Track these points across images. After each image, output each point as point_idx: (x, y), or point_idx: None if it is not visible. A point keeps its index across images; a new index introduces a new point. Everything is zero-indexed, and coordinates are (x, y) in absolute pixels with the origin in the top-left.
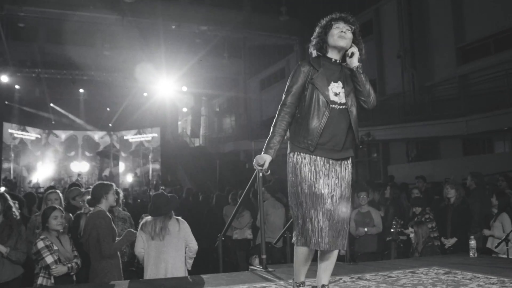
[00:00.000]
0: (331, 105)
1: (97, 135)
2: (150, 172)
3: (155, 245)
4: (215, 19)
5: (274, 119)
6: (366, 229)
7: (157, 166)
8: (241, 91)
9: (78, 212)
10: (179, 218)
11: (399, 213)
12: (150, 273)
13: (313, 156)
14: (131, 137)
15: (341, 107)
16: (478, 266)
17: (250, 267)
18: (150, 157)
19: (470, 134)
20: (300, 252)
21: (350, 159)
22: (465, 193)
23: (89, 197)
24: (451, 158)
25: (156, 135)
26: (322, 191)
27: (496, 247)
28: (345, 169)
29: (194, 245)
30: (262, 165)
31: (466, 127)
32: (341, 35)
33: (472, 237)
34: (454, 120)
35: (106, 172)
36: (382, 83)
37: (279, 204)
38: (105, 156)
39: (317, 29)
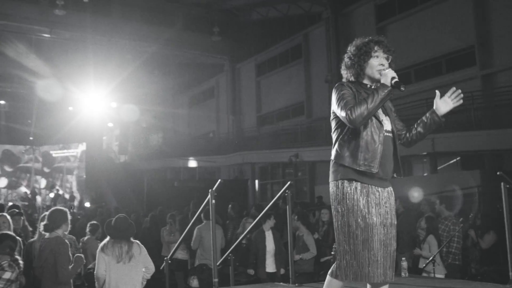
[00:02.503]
0: (383, 132)
1: (17, 149)
2: (75, 188)
3: (118, 268)
4: (146, 35)
5: (354, 112)
6: (300, 256)
7: (82, 181)
8: (169, 107)
9: (31, 240)
10: (138, 242)
11: None
12: None
13: (365, 184)
14: (55, 152)
15: (387, 134)
16: (411, 285)
17: None
18: (74, 173)
19: None
20: (335, 286)
21: (391, 187)
22: None
23: (45, 222)
24: None
25: (80, 150)
26: (375, 221)
27: (424, 267)
28: (392, 196)
29: (152, 267)
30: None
31: None
32: (381, 69)
33: (403, 258)
34: None
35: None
36: (309, 106)
37: (218, 226)
38: (26, 171)
39: (353, 50)
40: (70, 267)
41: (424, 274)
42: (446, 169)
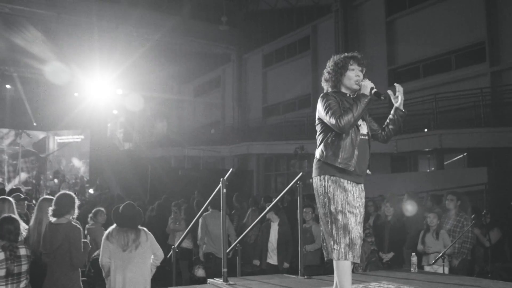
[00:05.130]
0: (359, 136)
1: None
2: (79, 174)
3: (124, 256)
4: (152, 22)
5: (343, 121)
6: (305, 248)
7: (86, 168)
8: (175, 95)
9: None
10: (145, 228)
11: None
12: (117, 283)
13: (342, 179)
14: (59, 138)
15: (363, 137)
16: (421, 281)
17: (209, 280)
18: (78, 159)
19: (399, 152)
20: (347, 266)
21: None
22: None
23: (53, 207)
24: (380, 174)
25: (84, 136)
26: (350, 209)
27: (434, 262)
28: (363, 191)
29: (161, 253)
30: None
31: (396, 146)
32: (357, 80)
33: (413, 254)
34: None
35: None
36: (315, 98)
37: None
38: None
39: (331, 66)
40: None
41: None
42: (452, 166)
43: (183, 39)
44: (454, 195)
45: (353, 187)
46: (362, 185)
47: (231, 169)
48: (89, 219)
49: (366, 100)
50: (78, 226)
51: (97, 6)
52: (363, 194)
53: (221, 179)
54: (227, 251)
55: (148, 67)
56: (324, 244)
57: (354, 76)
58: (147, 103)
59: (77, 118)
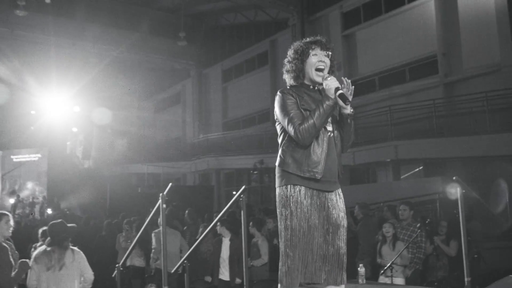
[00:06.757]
0: (327, 134)
1: None
2: (36, 194)
3: (49, 277)
4: (110, 38)
5: (303, 132)
6: (252, 263)
7: (44, 187)
8: (135, 112)
9: None
10: (75, 248)
11: None
12: None
13: (310, 189)
14: (15, 157)
15: (330, 134)
16: None
17: None
18: (36, 178)
19: (356, 164)
20: None
21: (340, 190)
22: (352, 222)
23: None
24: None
25: (42, 155)
26: (317, 224)
27: (382, 273)
28: (341, 198)
29: (90, 275)
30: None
31: (353, 158)
32: (320, 66)
33: (361, 265)
34: None
35: None
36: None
37: (174, 232)
38: None
39: (291, 54)
40: (13, 273)
41: (382, 281)
42: (410, 178)
43: (142, 55)
44: (406, 205)
45: (324, 197)
46: (338, 190)
47: (170, 184)
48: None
49: (330, 103)
50: (5, 245)
51: (54, 22)
52: (341, 200)
53: (160, 194)
54: (175, 268)
55: (107, 83)
56: (280, 265)
57: (316, 61)
58: (106, 120)
59: (34, 136)
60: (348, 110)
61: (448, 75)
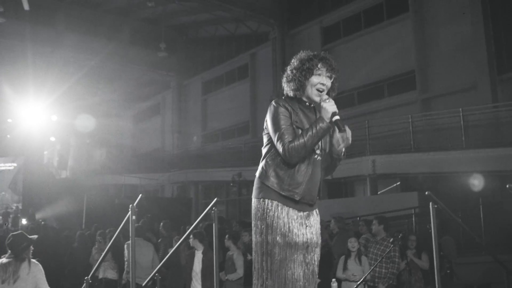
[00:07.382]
0: (314, 156)
1: None
2: (10, 204)
3: None
4: (90, 47)
5: (292, 150)
6: (226, 277)
7: (19, 197)
8: (114, 122)
9: None
10: (33, 260)
11: None
12: None
13: (286, 207)
14: None
15: (316, 157)
16: None
17: None
18: (9, 188)
19: (334, 178)
20: None
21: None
22: (328, 236)
23: None
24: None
25: (17, 164)
26: (296, 240)
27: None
28: (317, 217)
29: None
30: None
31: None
32: (320, 88)
33: (334, 279)
34: None
35: None
36: (254, 125)
37: (147, 244)
38: None
39: (296, 64)
40: None
41: None
42: (387, 192)
43: (121, 64)
44: (376, 219)
45: (301, 216)
46: (316, 210)
47: (140, 195)
48: None
49: (324, 126)
50: None
51: (32, 29)
52: (317, 219)
53: (130, 206)
54: (146, 281)
55: (86, 92)
56: (255, 280)
57: (317, 82)
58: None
59: (10, 145)
60: (342, 145)
61: (426, 91)
